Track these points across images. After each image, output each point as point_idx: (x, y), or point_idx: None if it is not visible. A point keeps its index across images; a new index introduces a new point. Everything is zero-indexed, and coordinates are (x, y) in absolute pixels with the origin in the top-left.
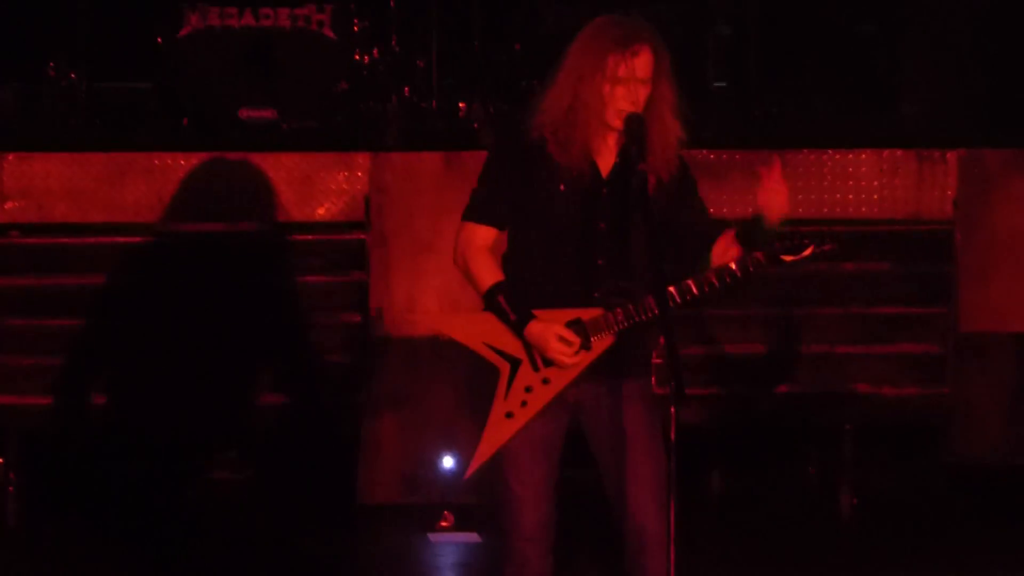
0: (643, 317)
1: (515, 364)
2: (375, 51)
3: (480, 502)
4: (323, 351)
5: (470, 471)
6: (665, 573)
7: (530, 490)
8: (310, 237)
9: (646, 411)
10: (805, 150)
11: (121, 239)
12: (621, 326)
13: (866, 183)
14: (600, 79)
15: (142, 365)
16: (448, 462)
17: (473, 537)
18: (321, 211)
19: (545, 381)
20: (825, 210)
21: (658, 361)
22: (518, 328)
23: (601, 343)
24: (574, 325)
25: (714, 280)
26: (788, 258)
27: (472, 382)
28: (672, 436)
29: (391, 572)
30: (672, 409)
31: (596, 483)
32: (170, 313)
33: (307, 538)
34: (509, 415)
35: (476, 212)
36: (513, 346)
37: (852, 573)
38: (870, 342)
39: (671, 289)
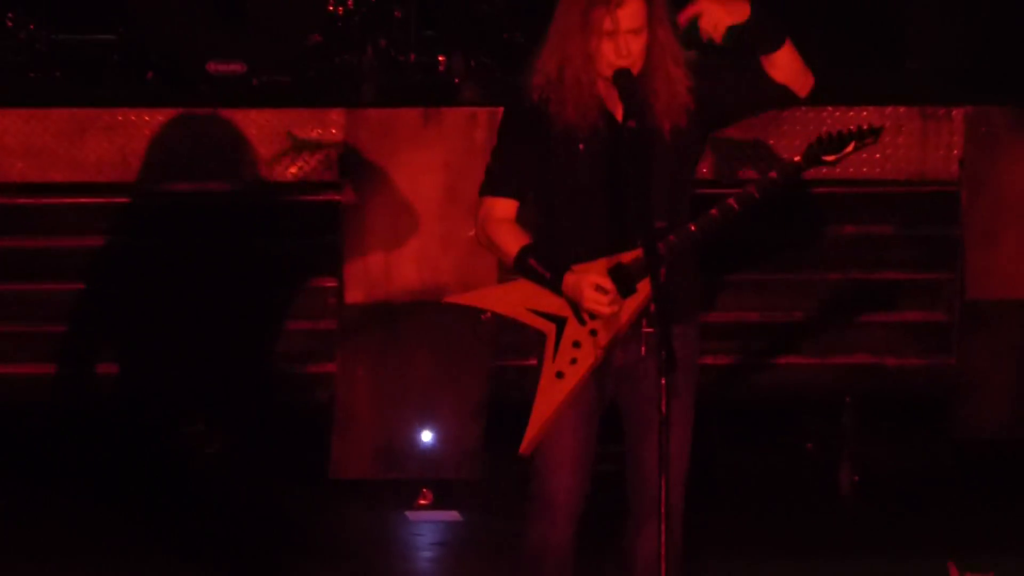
0: (686, 245)
1: (560, 323)
2: (350, 2)
3: (460, 478)
4: (295, 317)
5: (527, 442)
6: (659, 549)
7: (566, 454)
8: (282, 198)
9: (683, 375)
10: (804, 107)
11: (83, 199)
12: (665, 260)
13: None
14: (586, 35)
15: (103, 332)
16: (427, 436)
17: (453, 515)
18: (293, 170)
19: (593, 333)
20: (824, 170)
21: (649, 330)
22: (555, 285)
23: (647, 284)
24: (615, 270)
25: (755, 192)
26: (830, 157)
27: (453, 351)
28: (663, 408)
29: (366, 552)
30: (663, 380)
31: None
32: (133, 277)
33: (277, 515)
34: (560, 375)
35: (492, 185)
36: (556, 304)
37: (852, 553)
38: (872, 309)
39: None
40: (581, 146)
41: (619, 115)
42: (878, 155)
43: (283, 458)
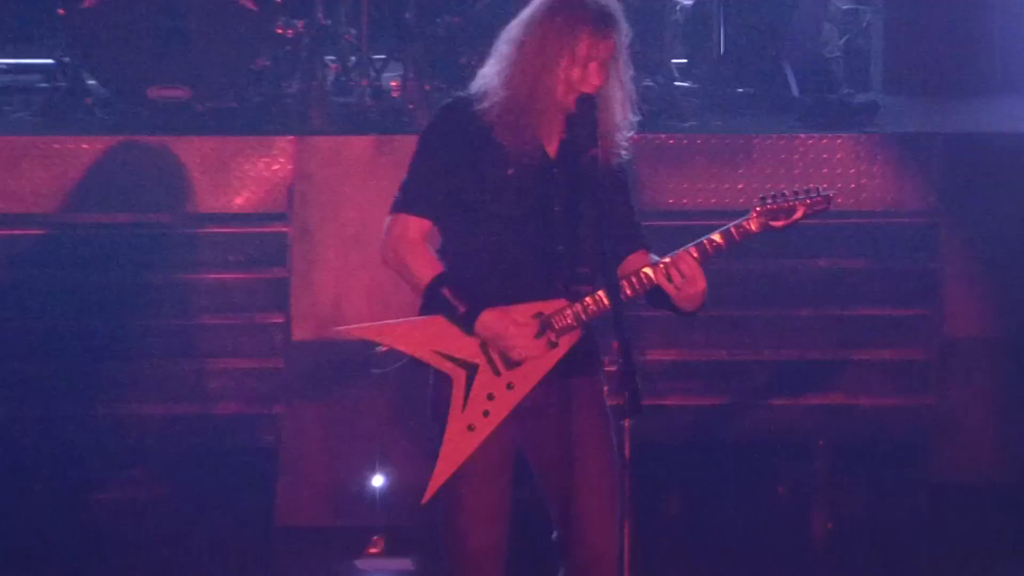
0: (609, 306)
1: (471, 370)
2: (299, 23)
3: (413, 524)
4: (239, 354)
5: (429, 494)
6: None
7: (486, 507)
8: (227, 229)
9: (599, 416)
10: (774, 135)
11: (18, 231)
12: (590, 316)
13: (842, 170)
14: (568, 63)
15: (37, 370)
16: (378, 480)
17: (405, 564)
18: (239, 201)
19: (510, 386)
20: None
21: (611, 368)
22: (468, 321)
23: (569, 338)
24: (538, 319)
25: (695, 254)
26: (778, 224)
27: (407, 392)
28: (626, 452)
29: None
30: (626, 421)
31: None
32: (70, 313)
33: (219, 564)
34: (471, 428)
35: (409, 203)
36: (467, 350)
37: None
38: (846, 347)
39: (639, 276)
40: (511, 171)
41: (548, 146)
42: (853, 185)
43: (226, 504)
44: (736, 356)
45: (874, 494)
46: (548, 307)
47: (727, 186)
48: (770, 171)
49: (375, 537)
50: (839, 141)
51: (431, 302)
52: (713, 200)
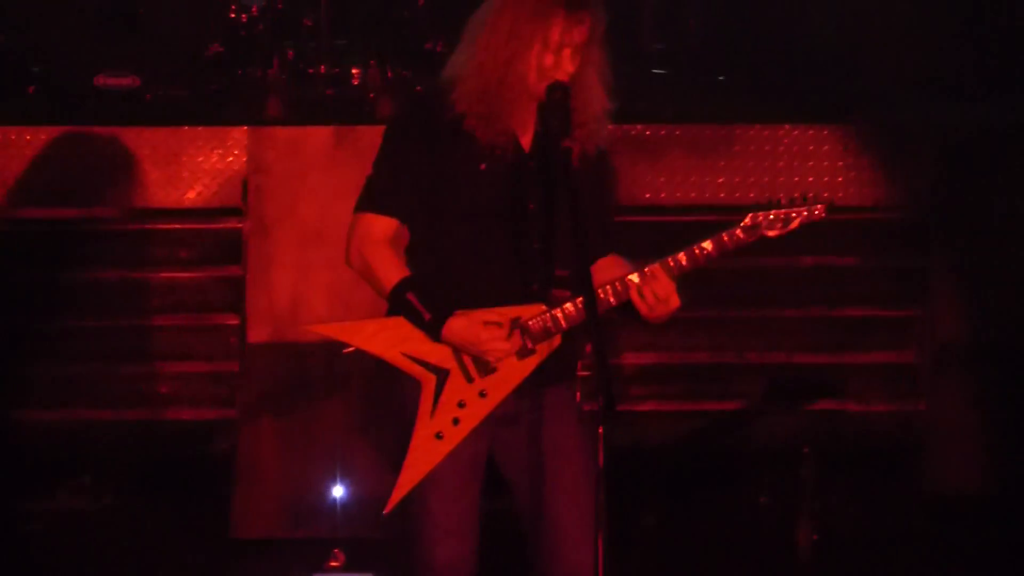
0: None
1: (442, 375)
2: (254, 8)
3: (376, 537)
4: (192, 357)
5: (392, 503)
6: None
7: (455, 519)
8: (178, 225)
9: (574, 425)
10: (757, 125)
11: None
12: (570, 323)
13: (828, 163)
14: (540, 48)
15: None
16: (339, 491)
17: None
18: (191, 195)
19: (482, 394)
20: (780, 195)
21: (585, 373)
22: (434, 329)
23: (546, 345)
24: (515, 326)
25: (683, 262)
26: (773, 234)
27: (370, 397)
28: (600, 460)
29: None
30: (600, 429)
31: (505, 511)
32: (12, 312)
33: None
34: (439, 436)
35: (374, 201)
36: (438, 354)
37: None
38: (833, 350)
39: (622, 283)
40: (483, 165)
41: (523, 138)
42: (840, 178)
43: (179, 515)
44: (717, 359)
45: (862, 504)
46: (525, 312)
47: (707, 179)
48: (753, 163)
49: (336, 550)
50: (826, 132)
51: (396, 307)
52: (692, 194)
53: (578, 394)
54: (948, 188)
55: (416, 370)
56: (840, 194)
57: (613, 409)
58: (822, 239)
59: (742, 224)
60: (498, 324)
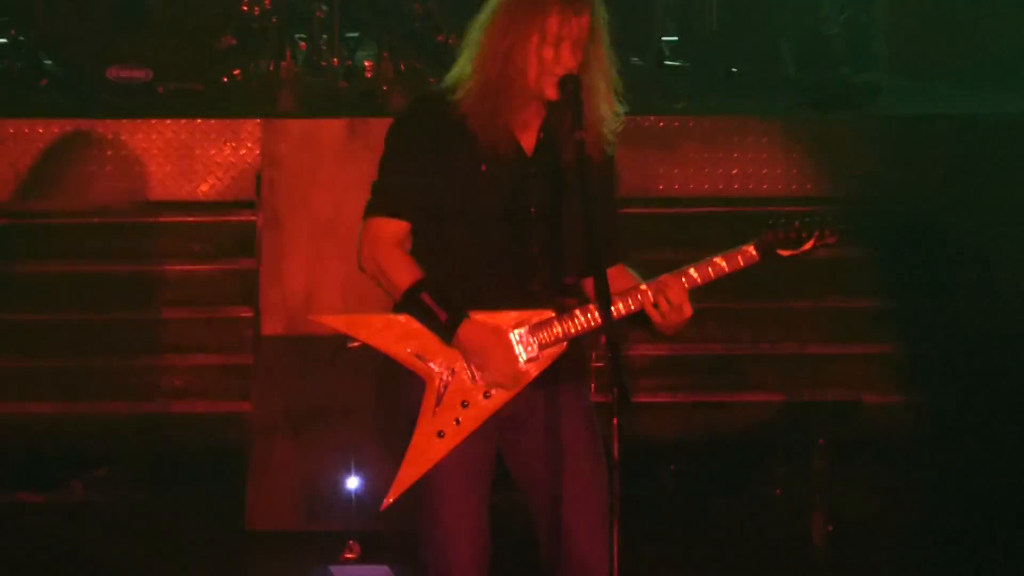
0: (600, 322)
1: (446, 374)
2: (266, 1)
3: (390, 530)
4: (206, 350)
5: (389, 500)
6: None
7: (465, 522)
8: (191, 218)
9: (585, 423)
10: (771, 116)
11: None
12: (579, 333)
13: (841, 155)
14: (538, 41)
15: None
16: (353, 483)
17: (382, 571)
18: (204, 188)
19: (486, 395)
20: (794, 187)
21: (599, 364)
22: (448, 331)
23: (552, 351)
24: (526, 331)
25: (696, 276)
26: (785, 253)
27: (383, 390)
28: (615, 453)
29: None
30: (615, 420)
31: (515, 507)
32: (28, 305)
33: (185, 572)
34: (440, 434)
35: (384, 205)
36: (444, 353)
37: None
38: (847, 340)
39: (637, 293)
40: (483, 167)
41: (524, 142)
42: (855, 170)
43: (193, 507)
44: (730, 351)
45: (877, 496)
46: (534, 317)
47: (720, 171)
48: (766, 155)
49: (351, 542)
50: (837, 124)
51: (410, 310)
52: (706, 186)
53: (592, 386)
54: (961, 177)
55: (421, 367)
56: (856, 184)
57: (628, 400)
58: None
59: (756, 240)
60: (512, 350)
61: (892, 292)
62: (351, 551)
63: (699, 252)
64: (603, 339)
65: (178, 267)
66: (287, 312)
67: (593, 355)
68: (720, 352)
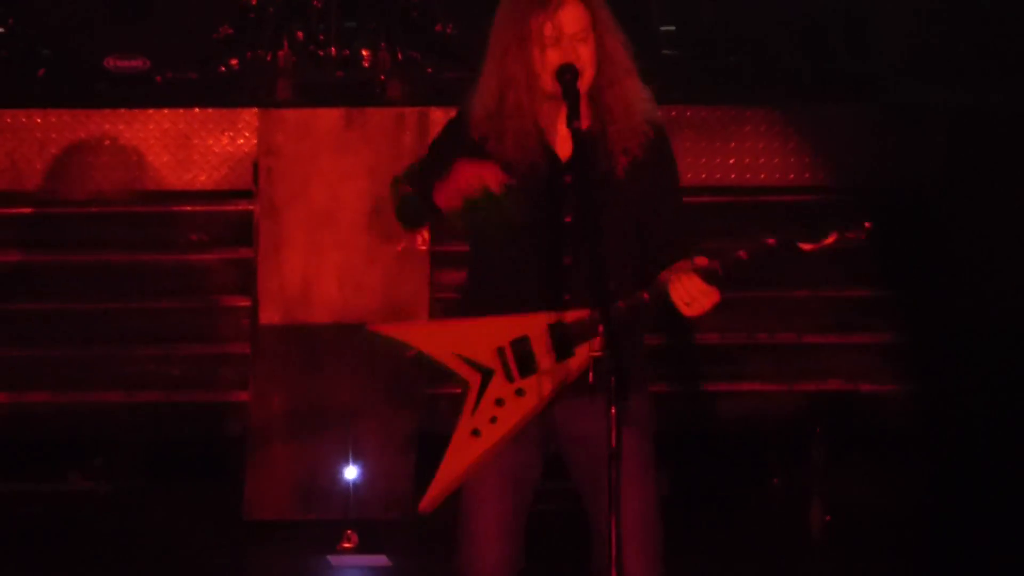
0: (636, 314)
1: (487, 375)
2: None
3: (388, 519)
4: (203, 340)
5: (428, 500)
6: None
7: (492, 527)
8: (189, 208)
9: (636, 437)
10: (769, 106)
11: None
12: (613, 329)
13: (838, 144)
14: (527, 47)
15: None
16: (351, 473)
17: (381, 560)
18: (202, 177)
19: (520, 392)
20: (792, 176)
21: (596, 354)
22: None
23: (585, 350)
24: (555, 328)
25: (719, 269)
26: (807, 247)
27: (379, 379)
28: (612, 440)
29: None
30: (612, 409)
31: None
32: (24, 294)
33: (184, 561)
34: (476, 432)
35: (411, 178)
36: (485, 354)
37: None
38: (845, 330)
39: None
40: (515, 182)
41: (559, 149)
42: (849, 159)
43: (191, 497)
44: (727, 340)
45: (875, 486)
46: (568, 317)
47: (717, 161)
48: (763, 145)
49: (348, 531)
50: (835, 113)
51: (414, 186)
52: (703, 176)
53: (591, 375)
54: (961, 169)
55: (465, 370)
56: (854, 174)
57: (625, 389)
58: (832, 219)
59: (778, 238)
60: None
61: (890, 282)
62: (349, 540)
63: (696, 241)
64: (600, 328)
65: (175, 256)
66: (285, 301)
67: (591, 345)
68: (717, 342)
